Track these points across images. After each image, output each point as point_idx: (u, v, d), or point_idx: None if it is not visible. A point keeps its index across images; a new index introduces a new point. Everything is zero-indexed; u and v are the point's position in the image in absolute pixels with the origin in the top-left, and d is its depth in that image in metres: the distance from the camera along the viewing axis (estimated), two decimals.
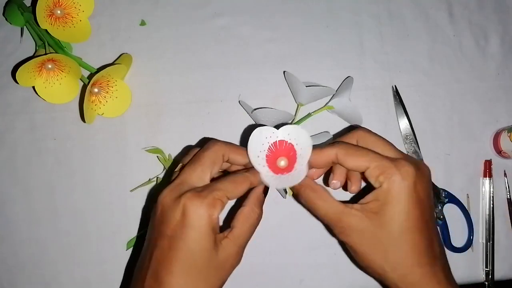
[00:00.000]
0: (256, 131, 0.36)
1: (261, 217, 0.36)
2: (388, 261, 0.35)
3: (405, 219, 0.34)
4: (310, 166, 0.36)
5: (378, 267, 0.35)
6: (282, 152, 0.36)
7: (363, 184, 0.39)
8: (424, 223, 0.35)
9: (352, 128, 0.40)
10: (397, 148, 0.37)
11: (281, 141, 0.36)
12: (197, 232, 0.32)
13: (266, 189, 0.37)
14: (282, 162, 0.36)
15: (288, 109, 0.47)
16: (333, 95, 0.48)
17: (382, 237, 0.35)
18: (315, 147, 0.36)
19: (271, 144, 0.36)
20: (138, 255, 0.36)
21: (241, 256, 0.35)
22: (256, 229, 0.38)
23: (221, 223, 0.35)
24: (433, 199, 0.37)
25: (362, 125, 0.49)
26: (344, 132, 0.48)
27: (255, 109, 0.46)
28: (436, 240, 0.36)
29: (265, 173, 0.36)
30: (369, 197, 0.36)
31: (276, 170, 0.36)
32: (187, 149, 0.43)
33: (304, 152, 0.36)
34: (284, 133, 0.36)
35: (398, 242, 0.34)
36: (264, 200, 0.37)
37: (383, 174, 0.34)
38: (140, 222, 0.47)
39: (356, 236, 0.35)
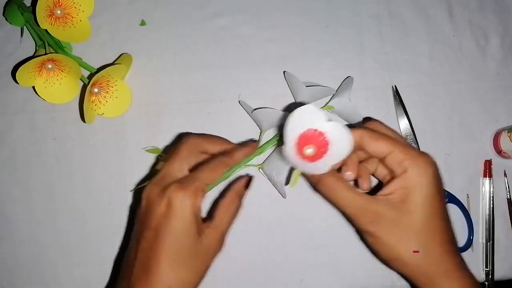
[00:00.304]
0: (310, 108, 0.33)
1: (241, 208, 0.38)
2: (417, 250, 0.34)
3: (432, 206, 0.34)
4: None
5: (407, 257, 0.35)
6: (314, 141, 0.34)
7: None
8: (445, 211, 0.36)
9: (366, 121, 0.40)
10: (408, 142, 0.37)
11: (320, 133, 0.34)
12: (182, 222, 0.34)
13: (247, 183, 0.39)
14: (309, 151, 0.34)
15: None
16: (333, 95, 0.48)
17: (410, 225, 0.34)
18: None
19: (310, 129, 0.34)
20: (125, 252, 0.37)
21: (223, 243, 0.37)
22: (256, 229, 0.39)
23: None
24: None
25: (361, 113, 0.49)
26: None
27: (255, 109, 0.46)
28: (452, 229, 0.36)
29: (289, 149, 0.34)
30: (392, 186, 0.35)
31: (300, 153, 0.34)
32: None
33: (336, 154, 0.34)
34: (328, 128, 0.34)
35: (426, 229, 0.34)
36: (244, 193, 0.39)
37: (409, 159, 0.34)
38: None
39: (384, 225, 0.35)
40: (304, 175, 0.36)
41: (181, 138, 0.39)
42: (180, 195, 0.34)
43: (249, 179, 0.40)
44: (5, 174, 0.48)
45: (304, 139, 0.34)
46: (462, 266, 0.35)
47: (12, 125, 0.49)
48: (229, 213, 0.37)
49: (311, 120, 0.34)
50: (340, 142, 0.34)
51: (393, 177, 0.36)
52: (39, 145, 0.48)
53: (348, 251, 0.47)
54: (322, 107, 0.48)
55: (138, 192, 0.48)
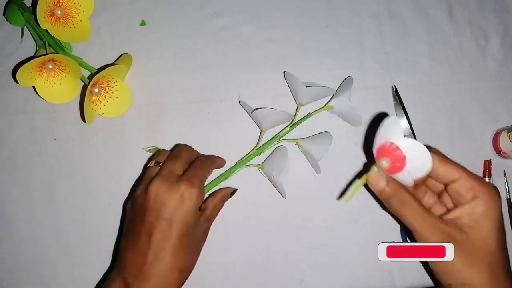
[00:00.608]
0: (392, 120, 0.34)
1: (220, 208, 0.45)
2: (489, 273, 0.35)
3: (501, 236, 0.35)
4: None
5: (475, 283, 0.35)
6: (389, 154, 0.34)
7: None
8: (505, 240, 0.36)
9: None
10: None
11: (396, 147, 0.34)
12: (191, 213, 0.40)
13: (233, 193, 0.46)
14: (383, 163, 0.34)
15: (288, 109, 0.47)
16: (333, 95, 0.48)
17: (481, 251, 0.35)
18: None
19: (387, 142, 0.34)
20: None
21: (208, 232, 0.44)
22: (256, 229, 0.43)
23: None
24: None
25: (362, 125, 0.49)
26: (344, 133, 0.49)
27: (255, 109, 0.46)
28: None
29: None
30: (460, 211, 0.36)
31: (377, 163, 0.35)
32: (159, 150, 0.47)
33: (413, 171, 0.34)
34: (407, 145, 0.34)
35: (497, 257, 0.35)
36: (228, 198, 0.46)
37: (480, 187, 0.35)
38: None
39: (459, 248, 0.35)
40: (369, 189, 0.36)
41: (177, 145, 0.46)
42: (192, 191, 0.40)
43: (234, 190, 0.46)
44: (5, 174, 0.48)
45: (381, 151, 0.35)
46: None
47: (12, 125, 0.49)
48: (216, 209, 0.44)
49: (391, 133, 0.34)
50: (417, 159, 0.34)
51: (455, 203, 0.37)
52: (39, 145, 0.49)
53: (348, 251, 0.47)
54: (322, 107, 0.48)
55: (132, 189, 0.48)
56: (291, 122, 0.47)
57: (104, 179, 0.48)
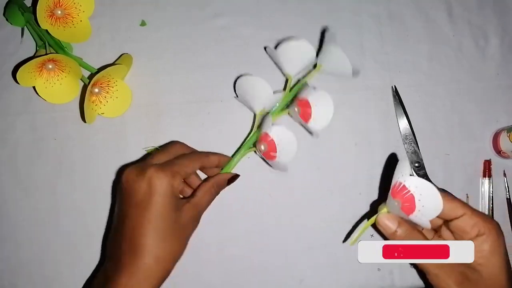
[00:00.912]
0: (402, 163, 0.35)
1: (215, 196, 0.42)
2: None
3: (509, 269, 0.36)
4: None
5: None
6: (400, 196, 0.35)
7: None
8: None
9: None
10: None
11: (404, 186, 0.35)
12: (162, 198, 0.37)
13: (232, 179, 0.43)
14: (396, 204, 0.35)
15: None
16: (318, 53, 0.45)
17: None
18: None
19: (400, 183, 0.35)
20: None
21: (198, 221, 0.41)
22: (256, 229, 0.40)
23: None
24: None
25: (364, 123, 0.49)
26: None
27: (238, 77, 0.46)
28: None
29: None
30: None
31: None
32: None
33: (425, 212, 0.34)
34: (414, 184, 0.34)
35: None
36: (224, 186, 0.43)
37: (484, 223, 0.36)
38: None
39: (480, 285, 0.36)
40: (378, 230, 0.37)
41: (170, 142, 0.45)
42: (159, 175, 0.38)
43: (234, 176, 0.44)
44: (6, 174, 0.48)
45: (392, 193, 0.35)
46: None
47: (13, 125, 0.49)
48: (207, 195, 0.41)
49: (399, 173, 0.35)
50: (427, 198, 0.34)
51: (459, 240, 0.37)
52: (39, 145, 0.49)
53: (348, 251, 0.47)
54: (311, 71, 0.46)
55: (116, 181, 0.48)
56: (283, 95, 0.46)
57: (104, 179, 0.48)
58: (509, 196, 0.49)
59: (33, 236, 0.47)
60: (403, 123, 0.49)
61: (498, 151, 0.49)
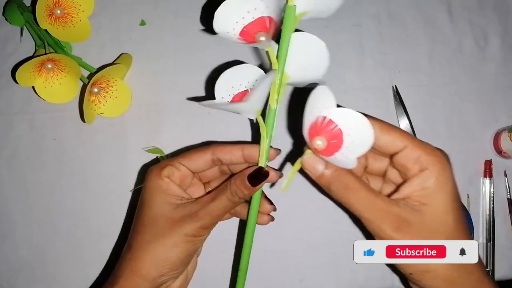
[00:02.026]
0: (320, 90, 0.29)
1: (234, 200, 0.34)
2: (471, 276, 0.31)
3: (457, 207, 0.31)
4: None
5: (439, 268, 0.31)
6: (323, 132, 0.29)
7: None
8: (463, 213, 0.32)
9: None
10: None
11: (330, 121, 0.29)
12: (147, 189, 0.35)
13: (257, 176, 0.33)
14: (318, 143, 0.29)
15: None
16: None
17: (439, 231, 0.31)
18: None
19: (319, 117, 0.29)
20: None
21: (201, 223, 0.34)
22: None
23: None
24: None
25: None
26: None
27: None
28: None
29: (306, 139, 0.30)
30: (410, 187, 0.31)
31: (310, 145, 0.30)
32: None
33: (354, 146, 0.29)
34: (341, 115, 0.29)
35: (456, 234, 0.31)
36: (249, 189, 0.33)
37: (428, 156, 0.30)
38: None
39: (410, 232, 0.30)
40: (307, 175, 0.32)
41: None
42: (151, 170, 0.36)
43: (257, 171, 0.33)
44: (5, 174, 0.48)
45: (313, 130, 0.29)
46: (488, 274, 0.33)
47: (12, 125, 0.49)
48: (219, 196, 0.34)
49: (320, 106, 0.29)
50: (356, 131, 0.29)
51: (403, 177, 0.32)
52: (39, 145, 0.48)
53: (348, 251, 0.47)
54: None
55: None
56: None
57: (104, 179, 0.48)
58: (510, 196, 0.49)
59: (32, 236, 0.47)
60: (404, 123, 0.49)
61: (499, 151, 0.49)
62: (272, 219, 0.40)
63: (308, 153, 0.31)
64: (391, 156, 0.33)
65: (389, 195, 0.32)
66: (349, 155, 0.29)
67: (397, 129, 0.32)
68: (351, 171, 0.31)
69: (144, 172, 0.38)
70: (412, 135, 0.33)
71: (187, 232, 0.34)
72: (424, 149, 0.31)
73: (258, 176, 0.33)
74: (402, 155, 0.31)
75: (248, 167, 0.35)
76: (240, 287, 0.37)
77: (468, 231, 0.32)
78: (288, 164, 0.47)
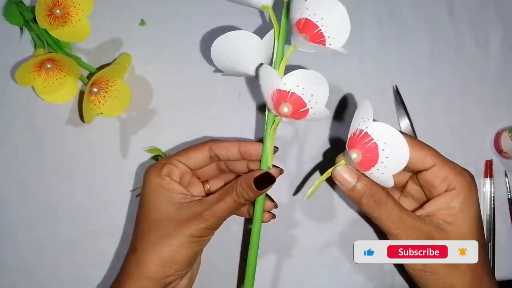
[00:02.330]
0: (364, 106, 0.29)
1: (239, 202, 0.34)
2: (464, 277, 0.32)
3: (480, 230, 0.32)
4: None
5: (462, 283, 0.32)
6: (360, 145, 0.29)
7: None
8: (484, 234, 0.33)
9: None
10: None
11: (366, 134, 0.29)
12: (148, 189, 0.35)
13: (262, 180, 0.33)
14: (354, 155, 0.29)
15: None
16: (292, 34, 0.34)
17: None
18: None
19: (360, 130, 0.30)
20: None
21: (207, 224, 0.34)
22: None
23: None
24: None
25: None
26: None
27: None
28: None
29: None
30: (435, 205, 0.32)
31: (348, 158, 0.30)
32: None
33: (391, 163, 0.29)
34: (374, 129, 0.29)
35: (481, 256, 0.32)
36: (255, 191, 0.33)
37: (456, 176, 0.31)
38: None
39: None
40: (335, 185, 0.32)
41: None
42: (149, 169, 0.36)
43: (264, 175, 0.33)
44: (5, 174, 0.48)
45: (350, 142, 0.29)
46: (490, 274, 0.34)
47: (12, 125, 0.49)
48: (224, 197, 0.34)
49: (360, 118, 0.29)
50: (392, 147, 0.29)
51: (428, 194, 0.33)
52: (38, 145, 0.48)
53: (348, 251, 0.47)
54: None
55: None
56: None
57: (104, 179, 0.48)
58: (510, 196, 0.49)
59: (31, 236, 0.47)
60: (404, 123, 0.49)
61: (500, 151, 0.49)
62: (274, 216, 0.40)
63: (340, 164, 0.31)
64: (417, 172, 0.33)
65: (413, 211, 0.33)
66: (384, 171, 0.29)
67: (428, 146, 0.33)
68: (382, 186, 0.31)
69: (143, 171, 0.38)
70: (440, 154, 0.32)
71: (193, 233, 0.34)
72: (454, 169, 0.32)
73: (264, 180, 0.33)
74: (430, 172, 0.32)
75: (252, 170, 0.36)
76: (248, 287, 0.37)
77: (487, 252, 0.33)
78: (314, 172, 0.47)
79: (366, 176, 0.31)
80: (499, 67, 0.51)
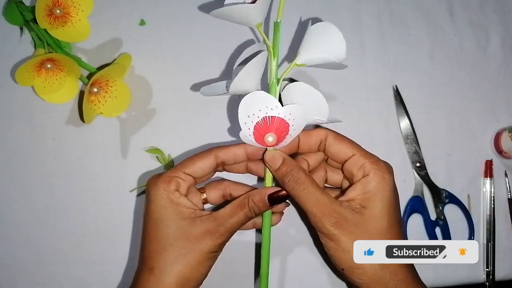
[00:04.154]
0: (260, 94, 0.33)
1: (249, 215, 0.36)
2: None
3: (393, 213, 0.35)
4: (297, 148, 0.37)
5: (368, 266, 0.34)
6: (273, 129, 0.34)
7: None
8: (401, 220, 0.36)
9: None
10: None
11: (279, 119, 0.34)
12: (156, 206, 0.35)
13: (276, 197, 0.35)
14: (270, 139, 0.34)
15: None
16: (300, 48, 0.37)
17: (373, 232, 0.34)
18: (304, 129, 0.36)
19: (268, 117, 0.34)
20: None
21: (221, 239, 0.35)
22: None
23: None
24: None
25: (364, 120, 0.49)
26: None
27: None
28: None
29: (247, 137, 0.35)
30: (353, 191, 0.35)
31: (260, 141, 0.35)
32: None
33: (294, 133, 0.35)
34: (286, 112, 0.34)
35: (388, 237, 0.34)
36: (266, 205, 0.35)
37: (370, 163, 0.35)
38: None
39: (347, 229, 0.34)
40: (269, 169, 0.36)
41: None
42: (154, 181, 0.35)
43: (278, 193, 0.35)
44: (4, 174, 0.48)
45: (264, 128, 0.34)
46: (417, 277, 0.36)
47: (11, 125, 0.49)
48: (235, 211, 0.35)
49: (265, 106, 0.33)
50: (299, 118, 0.34)
51: (351, 183, 0.36)
52: (38, 145, 0.48)
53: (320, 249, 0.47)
54: (288, 68, 0.37)
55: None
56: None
57: (104, 179, 0.48)
58: (510, 196, 0.49)
59: (30, 236, 0.47)
60: (404, 123, 0.49)
61: (500, 151, 0.49)
62: (282, 214, 0.41)
63: (269, 149, 0.36)
64: (343, 165, 0.37)
65: (337, 197, 0.36)
66: (288, 141, 0.35)
67: (348, 139, 0.37)
68: (303, 169, 0.35)
69: (144, 177, 0.38)
70: (360, 146, 0.36)
71: (210, 249, 0.35)
72: (370, 158, 0.35)
73: (278, 198, 0.36)
74: (350, 162, 0.36)
75: (252, 170, 0.39)
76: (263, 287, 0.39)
77: (402, 235, 0.35)
78: None
79: (290, 161, 0.35)
80: (499, 67, 0.51)
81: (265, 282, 0.38)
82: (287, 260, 0.47)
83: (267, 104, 0.34)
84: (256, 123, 0.34)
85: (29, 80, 0.45)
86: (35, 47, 0.49)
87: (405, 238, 0.36)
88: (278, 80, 0.36)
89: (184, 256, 0.34)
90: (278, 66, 0.37)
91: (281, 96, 0.37)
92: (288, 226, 0.47)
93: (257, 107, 0.34)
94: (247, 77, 0.34)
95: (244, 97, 0.34)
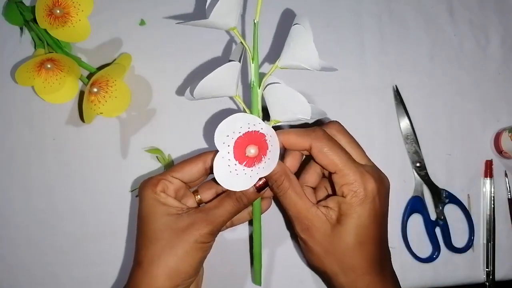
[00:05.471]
0: (240, 116, 0.34)
1: (238, 207, 0.36)
2: (341, 267, 0.35)
3: (363, 234, 0.35)
4: (282, 146, 0.37)
5: (330, 270, 0.36)
6: (256, 141, 0.35)
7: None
8: (379, 236, 0.36)
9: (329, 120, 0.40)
10: (365, 154, 0.38)
11: (261, 134, 0.34)
12: (145, 204, 0.36)
13: (263, 187, 0.37)
14: (252, 151, 0.34)
15: None
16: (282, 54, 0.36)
17: (339, 245, 0.35)
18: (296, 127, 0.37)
19: (251, 131, 0.34)
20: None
21: (206, 230, 0.35)
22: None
23: None
24: (388, 208, 0.38)
25: (364, 120, 0.49)
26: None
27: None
28: (387, 248, 0.38)
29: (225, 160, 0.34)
30: (331, 202, 0.36)
31: (243, 159, 0.34)
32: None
33: (274, 143, 0.35)
34: (270, 129, 0.35)
35: (353, 253, 0.35)
36: (254, 195, 0.36)
37: (348, 186, 0.35)
38: None
39: (317, 236, 0.35)
40: None
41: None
42: (144, 184, 0.37)
43: (264, 183, 0.36)
44: (4, 174, 0.48)
45: (247, 140, 0.34)
46: (385, 281, 0.36)
47: (11, 125, 0.49)
48: (222, 203, 0.36)
49: (247, 123, 0.34)
50: (276, 144, 0.34)
51: (338, 193, 0.36)
52: (38, 145, 0.48)
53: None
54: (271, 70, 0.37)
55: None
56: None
57: (104, 179, 0.48)
58: (510, 196, 0.49)
59: (30, 237, 0.47)
60: (404, 123, 0.49)
61: (500, 151, 0.49)
62: (271, 202, 0.42)
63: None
64: (331, 173, 0.36)
65: (319, 201, 0.38)
66: (275, 152, 0.35)
67: (336, 152, 0.35)
68: (286, 172, 0.36)
69: (144, 177, 0.38)
70: (349, 156, 0.36)
71: (197, 238, 0.35)
72: (354, 175, 0.35)
73: (263, 185, 0.37)
74: (334, 176, 0.36)
75: None
76: (257, 267, 0.41)
77: (379, 253, 0.36)
78: None
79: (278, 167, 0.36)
80: (499, 67, 0.51)
81: (259, 260, 0.40)
82: (287, 260, 0.47)
83: (251, 122, 0.34)
84: (238, 138, 0.34)
85: (29, 80, 0.45)
86: (35, 47, 0.49)
87: (380, 253, 0.36)
88: (260, 82, 0.36)
89: (171, 248, 0.35)
90: (275, 64, 0.36)
91: (264, 98, 0.37)
92: (288, 225, 0.47)
93: (237, 124, 0.34)
94: (213, 83, 0.35)
95: (228, 118, 0.34)
